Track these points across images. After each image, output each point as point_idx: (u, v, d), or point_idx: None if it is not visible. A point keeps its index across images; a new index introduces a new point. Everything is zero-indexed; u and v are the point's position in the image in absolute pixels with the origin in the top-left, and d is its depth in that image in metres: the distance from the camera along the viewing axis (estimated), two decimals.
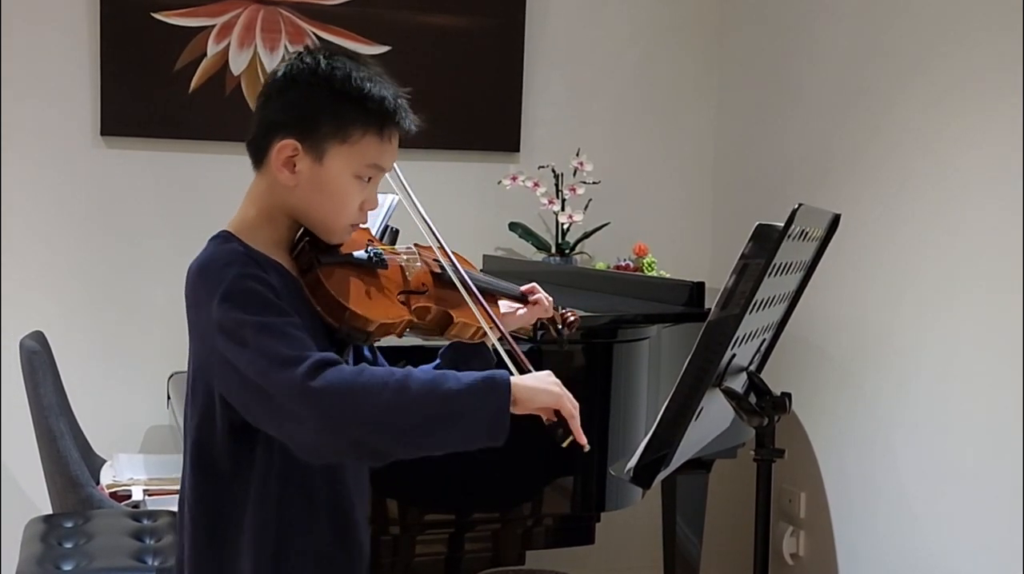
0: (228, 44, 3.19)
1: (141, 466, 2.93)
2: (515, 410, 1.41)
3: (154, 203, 3.20)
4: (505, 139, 3.46)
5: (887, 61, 2.88)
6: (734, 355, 1.67)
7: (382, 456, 1.43)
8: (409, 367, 1.48)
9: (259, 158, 1.53)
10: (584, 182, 3.29)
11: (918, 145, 2.76)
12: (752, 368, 1.82)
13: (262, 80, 3.21)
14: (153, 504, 2.71)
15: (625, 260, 3.29)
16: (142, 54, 3.12)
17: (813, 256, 1.87)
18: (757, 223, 1.58)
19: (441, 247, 1.64)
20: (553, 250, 3.33)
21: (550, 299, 1.78)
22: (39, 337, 2.77)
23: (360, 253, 1.57)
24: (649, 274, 3.17)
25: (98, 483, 2.79)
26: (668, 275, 3.18)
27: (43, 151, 3.10)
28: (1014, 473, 2.45)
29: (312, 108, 1.49)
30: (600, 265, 3.39)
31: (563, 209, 3.27)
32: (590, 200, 3.33)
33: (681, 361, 1.66)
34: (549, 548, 2.72)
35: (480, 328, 1.62)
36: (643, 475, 1.72)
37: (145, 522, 2.55)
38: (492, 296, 1.73)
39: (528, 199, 3.31)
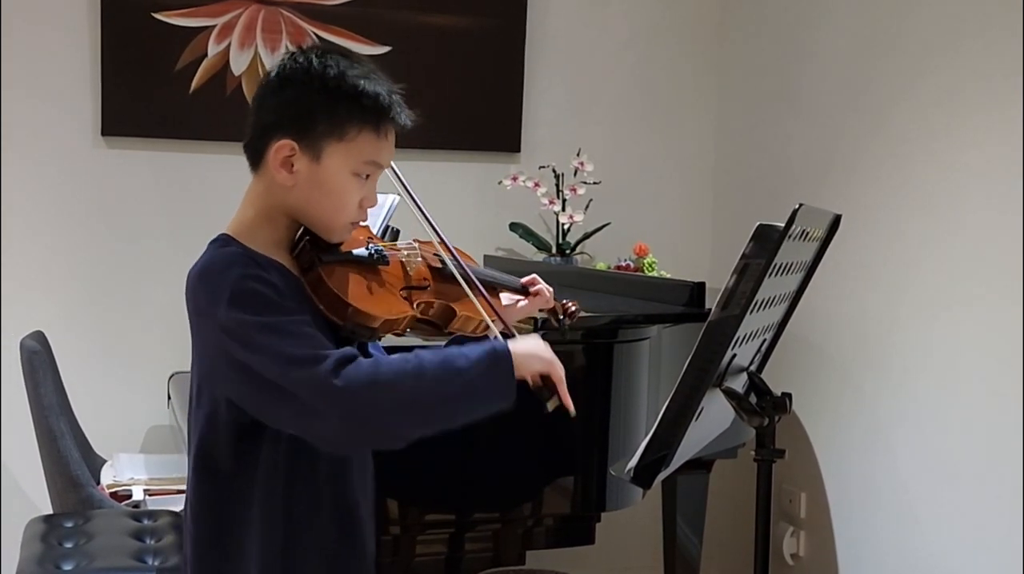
0: (229, 44, 3.19)
1: (141, 466, 2.93)
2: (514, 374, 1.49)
3: (155, 203, 3.20)
4: (506, 139, 3.46)
5: (887, 62, 2.88)
6: (735, 355, 1.67)
7: (406, 439, 1.47)
8: (417, 351, 1.50)
9: (256, 160, 1.54)
10: (585, 182, 3.29)
11: (919, 145, 2.76)
12: (753, 368, 1.82)
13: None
14: (153, 504, 2.71)
15: (626, 260, 3.29)
16: (143, 54, 3.12)
17: (814, 256, 1.87)
18: (758, 223, 1.58)
19: (441, 241, 1.64)
20: (554, 250, 3.33)
21: (550, 290, 1.80)
22: (39, 337, 2.77)
23: (361, 250, 1.57)
24: (650, 274, 3.17)
25: (98, 483, 2.79)
26: (669, 275, 3.17)
27: (43, 151, 3.10)
28: (1014, 473, 2.45)
29: (307, 107, 1.49)
30: (601, 265, 3.39)
31: (564, 209, 3.27)
32: (591, 200, 3.33)
33: (681, 361, 1.66)
34: (549, 548, 2.72)
35: (483, 321, 1.63)
36: (643, 475, 1.72)
37: (145, 522, 2.55)
38: (493, 289, 1.74)
39: (529, 199, 3.31)
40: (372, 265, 1.57)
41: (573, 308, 1.84)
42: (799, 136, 3.25)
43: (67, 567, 2.29)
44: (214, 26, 3.17)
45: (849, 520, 3.03)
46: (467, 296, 1.62)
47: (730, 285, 1.59)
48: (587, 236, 3.34)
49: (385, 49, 3.27)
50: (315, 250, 1.52)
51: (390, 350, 1.73)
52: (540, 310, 1.81)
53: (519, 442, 2.26)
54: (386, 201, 2.19)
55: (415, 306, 1.58)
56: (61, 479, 2.64)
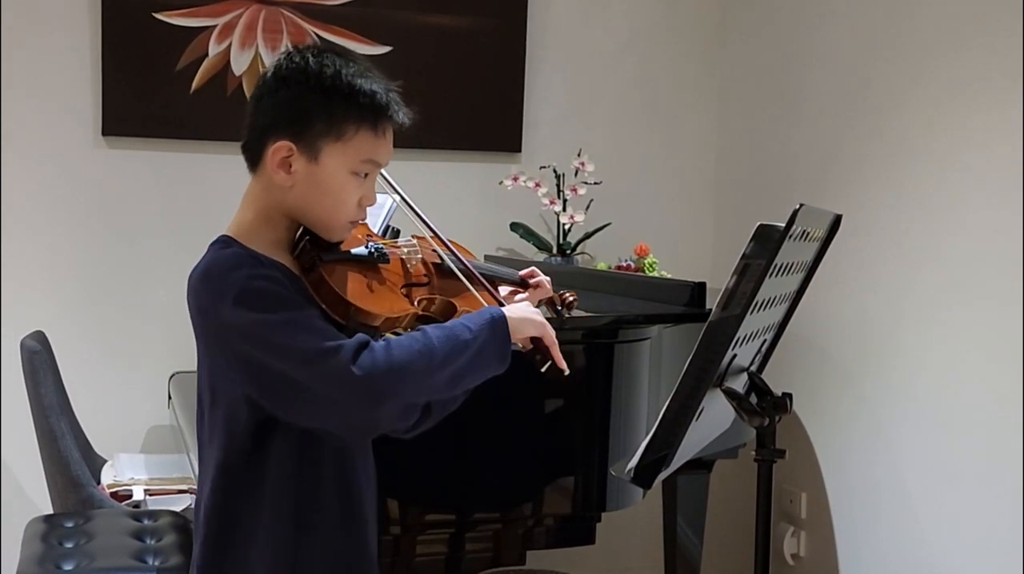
0: (230, 44, 3.19)
1: (142, 466, 2.93)
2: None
3: (155, 203, 3.20)
4: (506, 139, 3.46)
5: (888, 62, 2.88)
6: (735, 355, 1.67)
7: (420, 414, 1.51)
8: (422, 327, 1.53)
9: (254, 161, 1.54)
10: (585, 182, 3.29)
11: (920, 146, 2.76)
12: (753, 368, 1.82)
13: None
14: (154, 504, 2.71)
15: (626, 260, 3.29)
16: (143, 54, 3.12)
17: (814, 256, 1.87)
18: (758, 223, 1.58)
19: (436, 235, 1.65)
20: (554, 250, 3.33)
21: (549, 280, 1.82)
22: (40, 337, 2.77)
23: (361, 249, 1.58)
24: (650, 274, 3.17)
25: (99, 483, 2.79)
26: (669, 275, 3.17)
27: (44, 151, 3.10)
28: (1015, 473, 2.45)
29: (304, 107, 1.49)
30: (601, 265, 3.39)
31: (564, 209, 3.27)
32: (591, 200, 3.33)
33: (682, 361, 1.66)
34: (550, 548, 2.71)
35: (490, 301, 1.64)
36: (644, 475, 1.72)
37: (146, 522, 2.55)
38: (492, 282, 1.74)
39: (529, 199, 3.31)
40: (372, 263, 1.57)
41: (571, 298, 1.88)
42: (800, 136, 3.25)
43: (67, 567, 2.29)
44: (215, 26, 3.17)
45: (850, 520, 3.03)
46: (468, 290, 1.63)
47: (731, 285, 1.59)
48: (588, 236, 3.34)
49: (386, 49, 3.27)
50: (315, 250, 1.52)
51: None
52: (540, 301, 1.83)
53: (520, 442, 2.26)
54: (386, 201, 2.19)
55: (416, 303, 1.59)
56: (61, 479, 2.64)
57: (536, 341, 1.57)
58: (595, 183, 3.31)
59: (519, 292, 1.80)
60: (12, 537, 2.75)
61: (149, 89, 3.14)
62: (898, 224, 2.83)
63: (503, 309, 1.56)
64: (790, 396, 1.73)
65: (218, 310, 1.43)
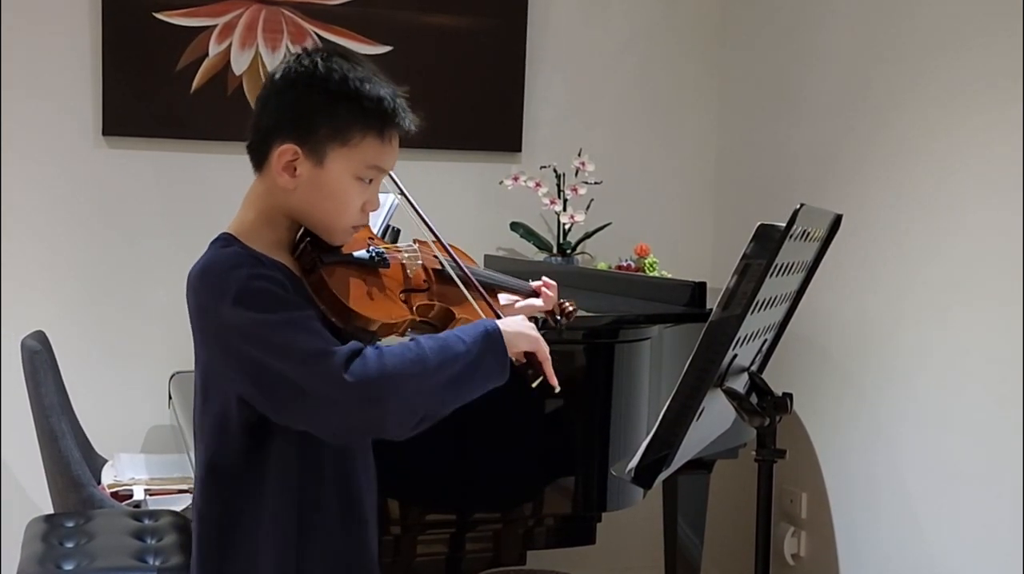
0: (230, 44, 3.19)
1: (142, 466, 2.93)
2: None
3: (156, 203, 3.20)
4: (507, 139, 3.46)
5: (888, 62, 2.88)
6: (736, 355, 1.67)
7: (412, 426, 1.50)
8: (416, 338, 1.52)
9: (259, 161, 1.54)
10: (586, 182, 3.29)
11: (920, 146, 2.76)
12: (754, 368, 1.82)
13: (264, 80, 3.20)
14: (154, 504, 2.71)
15: (627, 260, 3.29)
16: (144, 54, 3.12)
17: (815, 256, 1.87)
18: (759, 223, 1.58)
19: (438, 241, 1.64)
20: (555, 250, 3.33)
21: (554, 292, 1.82)
22: (40, 337, 2.77)
23: (362, 252, 1.57)
24: (651, 274, 3.17)
25: (99, 483, 2.79)
26: (670, 275, 3.17)
27: (44, 151, 3.10)
28: (1015, 473, 2.45)
29: (310, 111, 1.49)
30: (602, 265, 3.39)
31: (565, 209, 3.27)
32: (592, 200, 3.33)
33: (682, 361, 1.66)
34: (550, 548, 2.71)
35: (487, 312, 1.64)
36: (644, 475, 1.72)
37: (146, 522, 2.55)
38: (492, 290, 1.74)
39: (530, 199, 3.31)
40: (373, 267, 1.57)
41: (571, 308, 1.86)
42: (800, 136, 3.25)
43: (68, 567, 2.29)
44: (215, 26, 3.17)
45: (850, 520, 3.03)
46: (466, 299, 1.63)
47: (731, 285, 1.59)
48: (588, 236, 3.34)
49: (386, 49, 3.27)
50: (316, 251, 1.52)
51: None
52: (539, 310, 1.83)
53: (520, 442, 2.26)
54: (386, 201, 2.19)
55: (414, 309, 1.59)
56: (62, 479, 2.64)
57: (529, 356, 1.57)
58: (595, 183, 3.31)
59: (518, 299, 1.79)
60: (12, 537, 2.75)
61: (149, 89, 3.14)
62: (898, 224, 2.83)
63: (498, 322, 1.55)
64: (790, 396, 1.73)
65: (217, 309, 1.43)
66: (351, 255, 1.56)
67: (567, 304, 1.87)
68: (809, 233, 1.73)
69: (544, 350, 1.57)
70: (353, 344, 1.43)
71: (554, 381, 1.58)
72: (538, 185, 3.26)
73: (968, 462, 2.60)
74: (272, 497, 1.51)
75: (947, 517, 2.67)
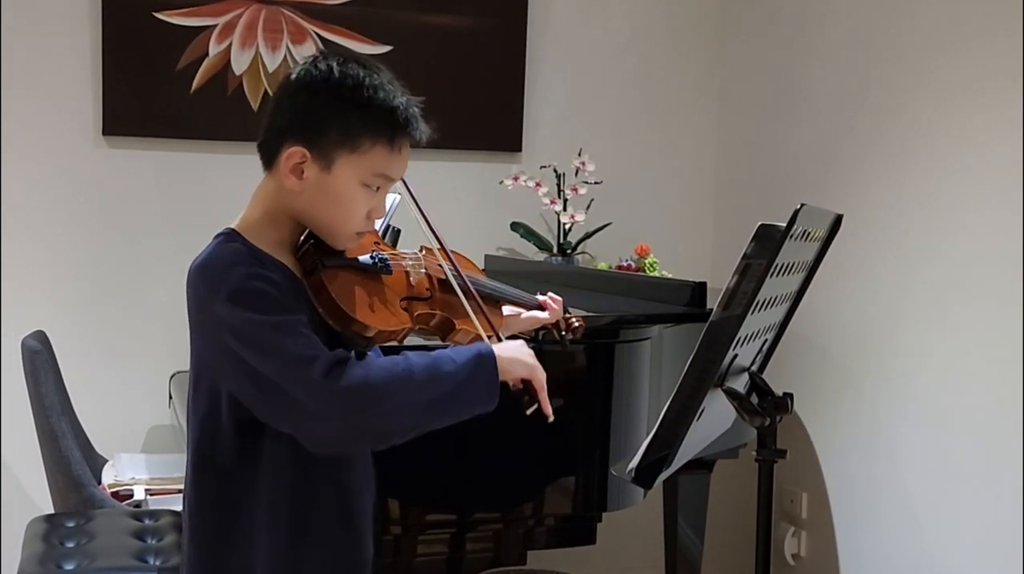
0: (230, 44, 3.19)
1: (143, 466, 2.93)
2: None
3: (156, 203, 3.20)
4: (507, 139, 3.46)
5: (888, 62, 2.88)
6: (736, 355, 1.67)
7: (392, 441, 1.50)
8: (406, 353, 1.51)
9: (268, 161, 1.54)
10: (586, 182, 3.29)
11: (921, 145, 2.76)
12: (754, 368, 1.82)
13: (264, 80, 3.21)
14: (155, 504, 2.71)
15: (627, 260, 3.29)
16: (144, 54, 3.12)
17: (815, 256, 1.87)
18: (759, 223, 1.58)
19: (442, 248, 1.63)
20: (555, 250, 3.33)
21: (561, 302, 1.81)
22: (41, 336, 2.77)
23: (365, 258, 1.56)
24: (651, 274, 3.17)
25: (100, 483, 2.79)
26: (670, 275, 3.17)
27: (44, 151, 3.10)
28: (1015, 473, 2.45)
29: (322, 116, 1.49)
30: (602, 265, 3.39)
31: (565, 209, 3.27)
32: (592, 200, 3.33)
33: (683, 361, 1.66)
34: (550, 548, 2.72)
35: (478, 336, 1.61)
36: (645, 475, 1.72)
37: (147, 522, 2.55)
38: (496, 302, 1.73)
39: (530, 199, 3.31)
40: (375, 273, 1.56)
41: (576, 323, 1.85)
42: (800, 136, 3.25)
43: (68, 567, 2.29)
44: (215, 26, 3.17)
45: (851, 520, 3.03)
46: (467, 313, 1.62)
47: (731, 285, 1.59)
48: (588, 236, 3.34)
49: (386, 49, 3.27)
50: (319, 254, 1.52)
51: (390, 347, 1.73)
52: (544, 325, 1.82)
53: (520, 442, 2.26)
54: (387, 201, 2.19)
55: (414, 317, 1.58)
56: (62, 479, 2.64)
57: (526, 382, 1.55)
58: (595, 183, 3.31)
59: (523, 311, 1.78)
60: (13, 537, 2.75)
61: (149, 89, 3.14)
62: (899, 224, 2.83)
63: (494, 346, 1.53)
64: (791, 396, 1.73)
65: (212, 304, 1.44)
66: (354, 260, 1.55)
67: (573, 319, 1.85)
68: (809, 233, 1.73)
69: (540, 378, 1.55)
70: (339, 352, 1.43)
71: (548, 410, 1.55)
72: (538, 185, 3.26)
73: (968, 462, 2.60)
74: (264, 494, 1.51)
75: (947, 517, 2.67)
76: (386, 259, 1.58)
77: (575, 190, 3.27)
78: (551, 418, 1.56)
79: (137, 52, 3.12)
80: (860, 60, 3.00)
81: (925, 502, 2.74)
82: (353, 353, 1.59)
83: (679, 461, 1.74)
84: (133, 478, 2.83)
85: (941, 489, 2.69)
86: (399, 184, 1.62)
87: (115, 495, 2.74)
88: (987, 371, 2.55)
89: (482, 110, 3.41)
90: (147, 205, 3.19)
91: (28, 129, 3.08)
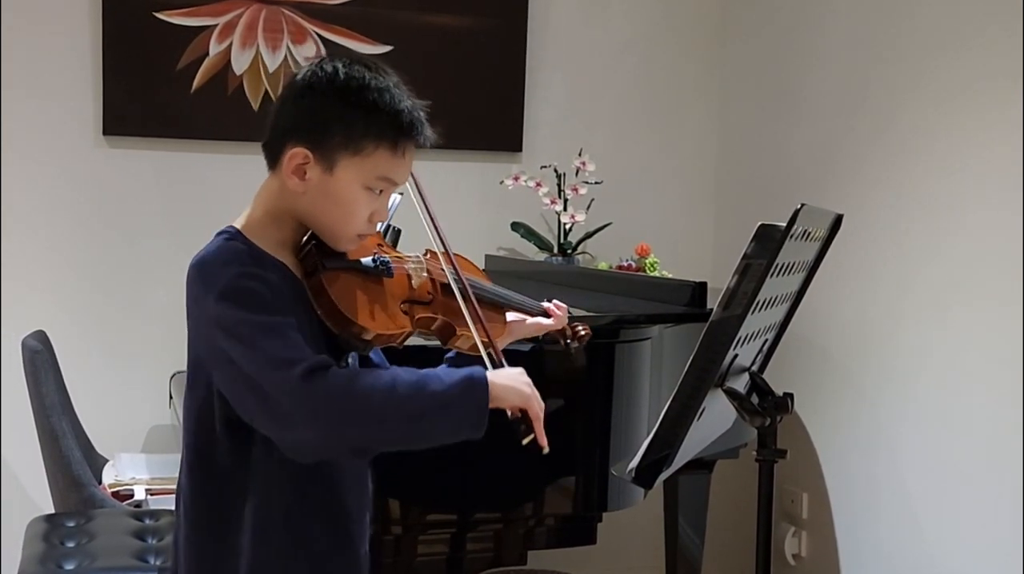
0: (230, 44, 3.19)
1: (143, 465, 2.93)
2: (490, 405, 1.48)
3: (156, 203, 3.20)
4: (507, 139, 3.46)
5: (889, 62, 2.88)
6: (736, 355, 1.67)
7: (369, 453, 1.49)
8: (395, 368, 1.50)
9: (272, 161, 1.54)
10: (586, 182, 3.29)
11: (921, 145, 2.76)
12: (754, 368, 1.82)
13: (264, 80, 3.21)
14: (155, 503, 2.71)
15: (627, 260, 3.29)
16: (144, 53, 3.12)
17: (816, 256, 1.87)
18: (759, 223, 1.58)
19: (445, 252, 1.61)
20: (555, 250, 3.33)
21: (566, 310, 1.79)
22: (41, 336, 2.77)
23: (367, 260, 1.55)
24: (651, 274, 3.17)
25: (100, 482, 2.79)
26: (670, 275, 3.17)
27: (45, 151, 3.10)
28: (1016, 473, 2.45)
29: (325, 118, 1.48)
30: (602, 265, 3.39)
31: (565, 209, 3.27)
32: (592, 200, 3.33)
33: (683, 361, 1.66)
34: (551, 548, 2.72)
35: (483, 339, 1.60)
36: (645, 475, 1.72)
37: (147, 521, 2.55)
38: (500, 308, 1.72)
39: (530, 199, 3.31)
40: (376, 276, 1.55)
41: (583, 332, 1.82)
42: (801, 136, 3.25)
43: (69, 566, 2.29)
44: (215, 25, 3.17)
45: (851, 520, 3.03)
46: (467, 321, 1.60)
47: (732, 285, 1.59)
48: (589, 236, 3.34)
49: (386, 48, 3.27)
50: (320, 255, 1.51)
51: (390, 349, 1.73)
52: (548, 332, 1.80)
53: (521, 442, 2.26)
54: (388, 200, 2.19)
55: (414, 321, 1.56)
56: (63, 478, 2.64)
57: (523, 411, 1.51)
58: (596, 183, 3.31)
59: (528, 318, 1.76)
60: (13, 537, 2.75)
61: (150, 89, 3.14)
62: (899, 223, 2.83)
63: (488, 372, 1.49)
64: (791, 396, 1.73)
65: (205, 301, 1.44)
66: (355, 262, 1.55)
67: (580, 327, 1.83)
68: (810, 233, 1.73)
69: (535, 409, 1.50)
70: (322, 359, 1.41)
71: (544, 442, 1.50)
72: (539, 185, 3.26)
73: (968, 462, 2.60)
74: (254, 492, 1.50)
75: (947, 517, 2.67)
76: (388, 262, 1.57)
77: (575, 190, 3.27)
78: (546, 450, 1.51)
79: (137, 52, 3.12)
80: (860, 60, 3.00)
81: (925, 502, 2.74)
82: (354, 359, 1.59)
83: (679, 461, 1.74)
84: (133, 478, 2.83)
85: (941, 489, 2.69)
86: (411, 186, 1.61)
87: (115, 495, 2.74)
88: (987, 371, 2.55)
89: (482, 110, 3.41)
90: (147, 205, 3.19)
91: (28, 129, 3.08)
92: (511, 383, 1.50)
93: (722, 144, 3.66)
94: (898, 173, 2.84)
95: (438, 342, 1.65)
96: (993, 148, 2.53)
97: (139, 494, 2.75)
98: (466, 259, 1.73)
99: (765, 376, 1.81)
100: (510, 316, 1.74)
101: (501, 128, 3.45)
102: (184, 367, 1.58)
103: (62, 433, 2.61)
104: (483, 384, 1.47)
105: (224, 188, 3.11)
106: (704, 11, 3.64)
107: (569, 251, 3.32)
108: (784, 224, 1.56)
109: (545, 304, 1.80)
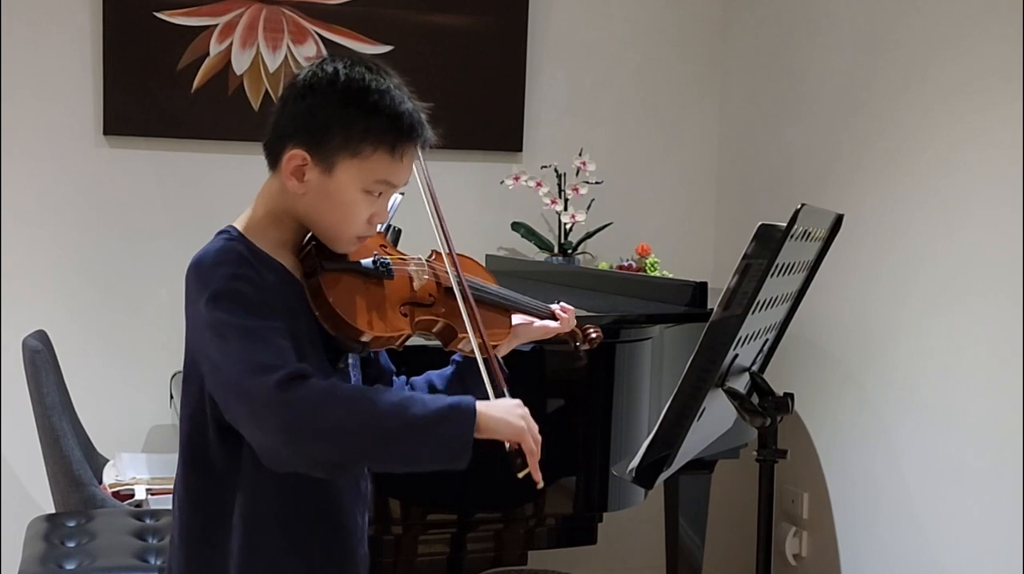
0: (231, 43, 3.19)
1: (144, 465, 2.93)
2: (478, 436, 1.42)
3: (156, 202, 3.20)
4: (508, 139, 3.46)
5: (890, 61, 2.88)
6: (737, 355, 1.67)
7: (342, 469, 1.45)
8: (379, 386, 1.49)
9: (272, 162, 1.53)
10: (587, 182, 3.29)
11: (922, 145, 2.76)
12: (755, 368, 1.82)
13: (265, 80, 3.21)
14: (156, 503, 2.71)
15: (628, 260, 3.29)
16: (144, 53, 3.12)
17: (816, 256, 1.87)
18: (760, 223, 1.58)
19: (450, 254, 1.59)
20: (556, 250, 3.33)
21: (571, 315, 1.77)
22: (42, 336, 2.77)
23: (367, 261, 1.54)
24: (652, 274, 3.17)
25: (101, 482, 2.79)
26: (671, 275, 3.17)
27: (45, 150, 3.10)
28: (1016, 473, 2.45)
29: (324, 120, 1.48)
30: (603, 265, 3.39)
31: (566, 209, 3.27)
32: (593, 200, 3.33)
33: (684, 361, 1.66)
34: (552, 548, 2.72)
35: (480, 345, 1.58)
36: (645, 475, 1.72)
37: (148, 521, 2.55)
38: (505, 310, 1.70)
39: (531, 199, 3.31)
40: (376, 278, 1.54)
41: (594, 334, 1.79)
42: (801, 136, 3.25)
43: (69, 566, 2.29)
44: (216, 25, 3.17)
45: (852, 520, 3.03)
46: (472, 319, 1.57)
47: (732, 285, 1.59)
48: (589, 236, 3.34)
49: (387, 48, 3.27)
50: (320, 256, 1.51)
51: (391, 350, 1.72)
52: (558, 334, 1.76)
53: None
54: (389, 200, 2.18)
55: (414, 323, 1.55)
56: (63, 478, 2.64)
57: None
58: (596, 182, 3.31)
59: (535, 321, 1.74)
60: (14, 536, 2.75)
61: (150, 88, 3.14)
62: (899, 223, 2.83)
63: (479, 403, 1.43)
64: (792, 396, 1.73)
65: (197, 301, 1.44)
66: (355, 263, 1.53)
67: (591, 330, 1.79)
68: (810, 233, 1.73)
69: (530, 444, 1.43)
70: (301, 367, 1.39)
71: (537, 476, 1.44)
72: (539, 185, 3.26)
73: (969, 462, 2.60)
74: (244, 493, 1.49)
75: (948, 517, 2.67)
76: (388, 263, 1.56)
77: (576, 190, 3.27)
78: (541, 485, 1.45)
79: (138, 52, 3.12)
80: (861, 60, 3.00)
81: (926, 502, 2.74)
82: (355, 360, 1.58)
83: (680, 461, 1.74)
84: (134, 478, 2.83)
85: (942, 489, 2.69)
86: (421, 186, 1.60)
87: (116, 495, 2.74)
88: (987, 371, 2.55)
89: (483, 110, 3.41)
90: (148, 205, 3.19)
91: (29, 129, 3.08)
92: (503, 415, 1.44)
93: (723, 144, 3.66)
94: (899, 173, 2.84)
95: (440, 343, 1.65)
96: (993, 148, 2.53)
97: (140, 494, 2.75)
98: (472, 260, 1.71)
99: (765, 376, 1.81)
100: (516, 319, 1.71)
101: (501, 128, 3.45)
102: None
103: (63, 433, 2.62)
104: (469, 414, 1.41)
105: (224, 188, 3.11)
106: (705, 11, 3.64)
107: (569, 251, 3.32)
108: (785, 224, 1.56)
109: (552, 307, 1.78)
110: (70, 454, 2.61)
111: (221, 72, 3.19)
